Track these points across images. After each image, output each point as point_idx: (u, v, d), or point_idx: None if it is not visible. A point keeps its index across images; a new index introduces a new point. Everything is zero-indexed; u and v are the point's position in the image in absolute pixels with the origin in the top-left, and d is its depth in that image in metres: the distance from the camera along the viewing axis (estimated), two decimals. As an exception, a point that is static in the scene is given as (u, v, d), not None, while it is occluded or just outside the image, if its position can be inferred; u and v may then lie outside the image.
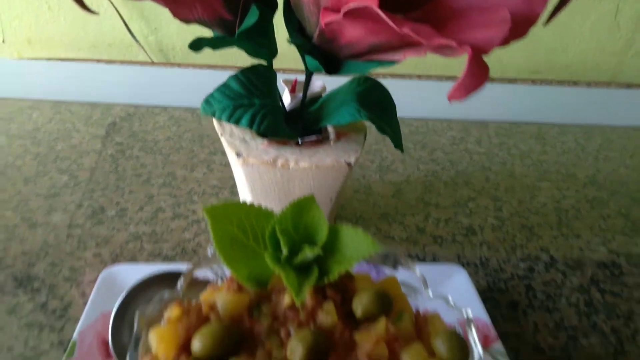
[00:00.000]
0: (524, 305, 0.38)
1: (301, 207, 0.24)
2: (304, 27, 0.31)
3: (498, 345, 0.31)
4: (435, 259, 0.41)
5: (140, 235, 0.41)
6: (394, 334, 0.20)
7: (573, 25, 0.77)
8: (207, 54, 0.74)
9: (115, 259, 0.38)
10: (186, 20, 0.32)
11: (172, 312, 0.21)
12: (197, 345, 0.19)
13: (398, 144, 0.36)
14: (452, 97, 0.21)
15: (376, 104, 0.36)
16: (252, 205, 0.24)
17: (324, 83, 0.41)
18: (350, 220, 0.45)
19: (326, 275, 0.22)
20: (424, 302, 0.25)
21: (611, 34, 0.80)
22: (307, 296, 0.21)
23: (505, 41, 0.24)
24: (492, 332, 0.32)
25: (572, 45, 0.81)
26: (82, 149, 0.53)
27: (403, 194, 0.50)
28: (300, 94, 0.38)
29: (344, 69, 0.32)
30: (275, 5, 0.34)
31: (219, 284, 0.24)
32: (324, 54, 0.31)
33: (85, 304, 0.31)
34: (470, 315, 0.22)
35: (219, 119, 0.33)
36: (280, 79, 0.39)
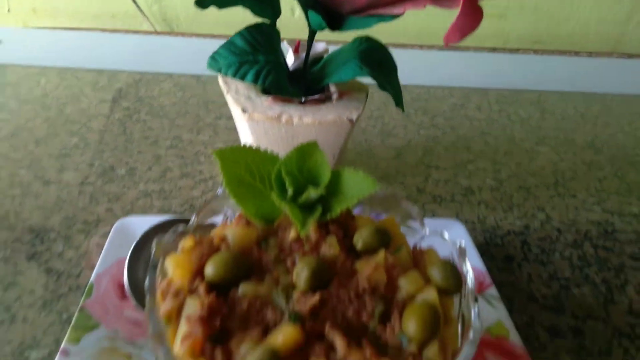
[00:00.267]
0: (519, 259, 0.39)
1: (305, 152, 0.25)
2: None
3: (492, 291, 0.33)
4: (434, 217, 0.43)
5: (149, 192, 0.42)
6: (392, 263, 0.22)
7: (576, -6, 0.77)
8: (210, 24, 0.75)
9: (127, 214, 0.40)
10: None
11: (187, 242, 0.22)
12: (209, 270, 0.21)
13: (399, 102, 0.37)
14: (447, 39, 0.22)
15: (378, 63, 0.37)
16: (258, 149, 0.25)
17: (327, 46, 0.42)
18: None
19: (329, 212, 0.23)
20: (421, 242, 0.26)
21: (613, 4, 0.80)
22: (311, 231, 0.23)
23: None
24: (487, 280, 0.34)
25: (574, 16, 0.81)
26: (90, 113, 0.54)
27: (404, 157, 0.51)
28: (304, 54, 0.39)
29: (346, 25, 0.33)
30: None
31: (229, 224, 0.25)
32: (326, 9, 0.32)
33: (99, 254, 0.33)
34: (464, 245, 0.23)
35: (225, 75, 0.34)
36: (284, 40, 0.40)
